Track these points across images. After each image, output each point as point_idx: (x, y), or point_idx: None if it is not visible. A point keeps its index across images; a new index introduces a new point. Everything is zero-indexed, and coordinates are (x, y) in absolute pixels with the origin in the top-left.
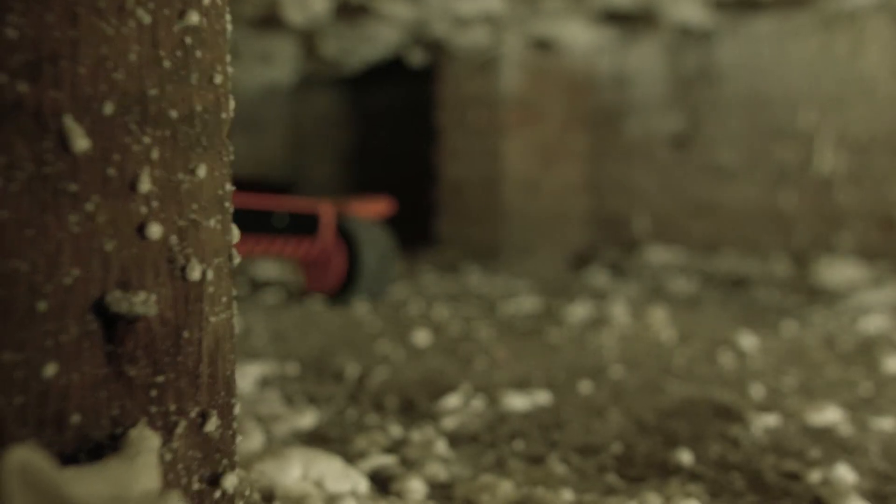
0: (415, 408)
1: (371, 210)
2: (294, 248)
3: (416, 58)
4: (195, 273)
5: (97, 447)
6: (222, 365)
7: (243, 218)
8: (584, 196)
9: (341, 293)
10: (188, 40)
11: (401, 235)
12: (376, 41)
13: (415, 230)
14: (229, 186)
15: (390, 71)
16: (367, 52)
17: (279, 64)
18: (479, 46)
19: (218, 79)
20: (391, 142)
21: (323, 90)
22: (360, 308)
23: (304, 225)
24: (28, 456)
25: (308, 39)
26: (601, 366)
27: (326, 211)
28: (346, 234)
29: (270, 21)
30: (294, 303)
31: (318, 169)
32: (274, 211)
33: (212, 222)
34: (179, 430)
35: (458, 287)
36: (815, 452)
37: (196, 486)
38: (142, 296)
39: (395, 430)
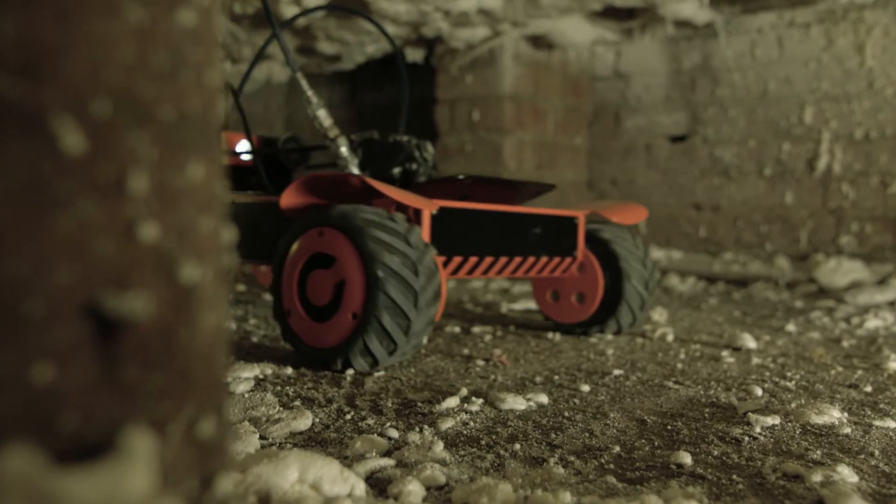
0: (413, 410)
1: (630, 216)
2: (553, 267)
3: (415, 54)
4: (188, 274)
5: (90, 449)
6: (216, 367)
7: (499, 229)
8: (584, 194)
9: (589, 323)
10: (181, 39)
11: None
12: (374, 37)
13: None
14: (223, 187)
15: (389, 67)
16: (364, 48)
17: (275, 61)
18: (479, 43)
19: (211, 78)
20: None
21: (320, 87)
22: None
23: (562, 236)
24: (20, 458)
25: (306, 36)
26: (601, 367)
27: (581, 218)
28: (601, 248)
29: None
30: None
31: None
32: (532, 219)
33: (205, 223)
34: (173, 431)
35: (457, 287)
36: (816, 454)
37: (190, 488)
38: (134, 297)
39: (393, 433)
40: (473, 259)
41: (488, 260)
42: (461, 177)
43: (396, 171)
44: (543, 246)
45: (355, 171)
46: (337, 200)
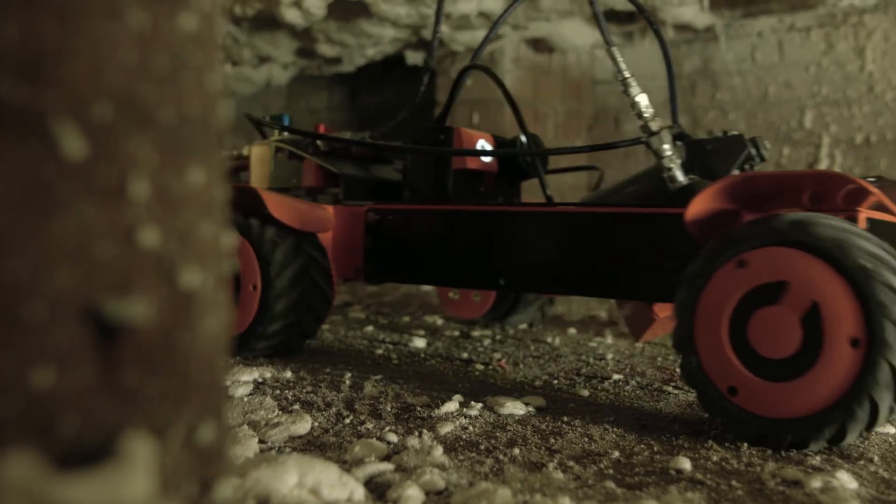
0: (412, 414)
1: None
2: None
3: (415, 57)
4: (189, 279)
5: (90, 454)
6: (216, 372)
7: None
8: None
9: None
10: (182, 43)
11: None
12: (375, 39)
13: None
14: (224, 191)
15: (389, 70)
16: (365, 50)
17: (276, 63)
18: (479, 46)
19: (212, 81)
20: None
21: (320, 89)
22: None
23: None
24: (20, 463)
25: (306, 39)
26: (600, 371)
27: None
28: None
29: (268, 21)
30: None
31: None
32: None
33: (206, 228)
34: (172, 436)
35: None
36: (816, 459)
37: (189, 492)
38: (135, 302)
39: (392, 437)
40: None
41: None
42: (871, 179)
43: (735, 174)
44: None
45: (679, 174)
46: (773, 208)
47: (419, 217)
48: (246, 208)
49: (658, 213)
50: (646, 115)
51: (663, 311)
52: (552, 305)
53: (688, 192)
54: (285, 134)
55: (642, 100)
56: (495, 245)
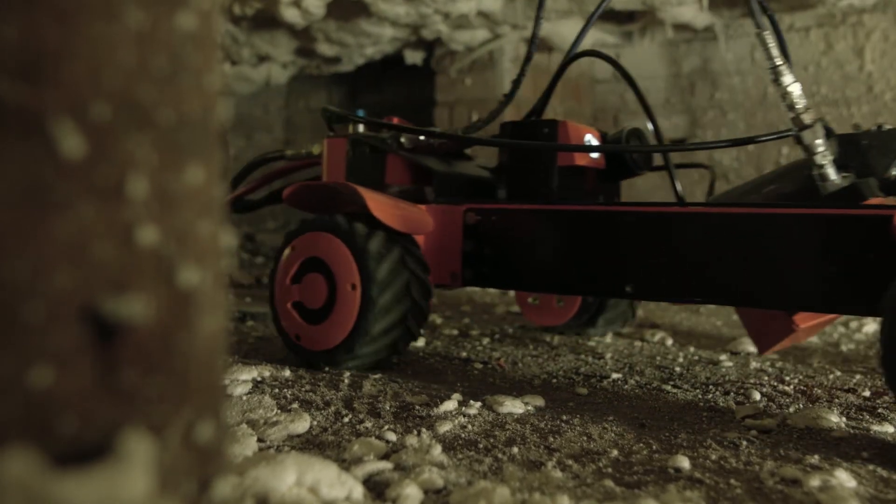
0: (411, 413)
1: None
2: None
3: (414, 56)
4: (187, 278)
5: (88, 452)
6: (214, 371)
7: None
8: None
9: None
10: (181, 43)
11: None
12: (374, 38)
13: None
14: (222, 191)
15: (388, 69)
16: (364, 50)
17: (275, 63)
18: (478, 46)
19: (211, 81)
20: None
21: (319, 89)
22: None
23: None
24: (19, 461)
25: (305, 38)
26: (599, 370)
27: None
28: None
29: (268, 20)
30: None
31: (312, 169)
32: None
33: (204, 227)
34: (171, 435)
35: (454, 289)
36: (814, 458)
37: (188, 491)
38: (133, 301)
39: (391, 436)
40: None
41: None
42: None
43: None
44: None
45: (832, 171)
46: None
47: (532, 218)
48: (333, 206)
49: (840, 215)
50: (798, 106)
51: (806, 321)
52: (635, 314)
53: (852, 192)
54: (360, 128)
55: (795, 89)
56: (622, 249)
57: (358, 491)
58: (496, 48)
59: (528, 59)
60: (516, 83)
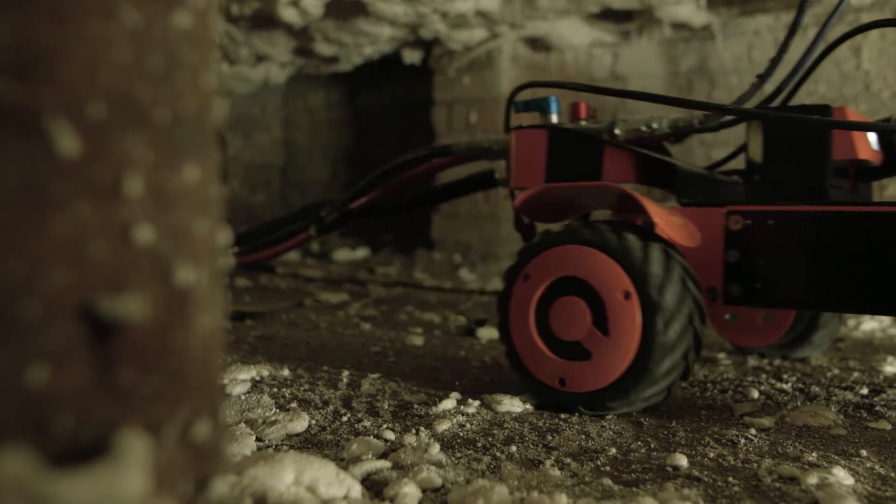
0: (409, 412)
1: None
2: None
3: (412, 56)
4: (184, 277)
5: (85, 451)
6: (211, 369)
7: None
8: None
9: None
10: (176, 41)
11: (396, 237)
12: (372, 38)
13: (411, 232)
14: (218, 189)
15: (386, 69)
16: (362, 49)
17: (273, 62)
18: (476, 45)
19: (207, 80)
20: (387, 141)
21: (317, 88)
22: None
23: None
24: (15, 460)
25: (303, 38)
26: None
27: None
28: None
29: (266, 19)
30: None
31: (311, 169)
32: None
33: (201, 225)
34: (168, 434)
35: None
36: (812, 456)
37: (185, 490)
38: (130, 300)
39: (389, 435)
40: None
41: None
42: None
43: None
44: None
45: None
46: None
47: (831, 222)
48: (562, 214)
49: None
50: None
51: None
52: (839, 330)
53: None
54: (555, 117)
55: None
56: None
57: (356, 490)
58: (494, 47)
59: (792, 31)
60: (775, 61)
